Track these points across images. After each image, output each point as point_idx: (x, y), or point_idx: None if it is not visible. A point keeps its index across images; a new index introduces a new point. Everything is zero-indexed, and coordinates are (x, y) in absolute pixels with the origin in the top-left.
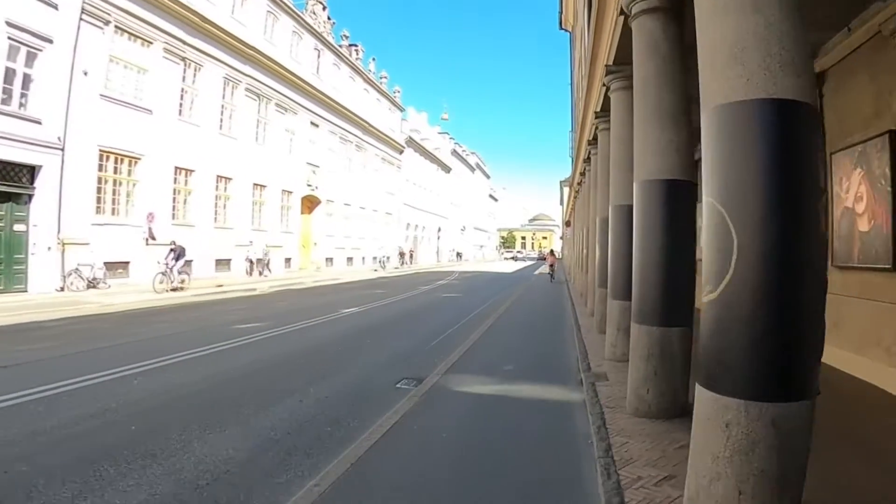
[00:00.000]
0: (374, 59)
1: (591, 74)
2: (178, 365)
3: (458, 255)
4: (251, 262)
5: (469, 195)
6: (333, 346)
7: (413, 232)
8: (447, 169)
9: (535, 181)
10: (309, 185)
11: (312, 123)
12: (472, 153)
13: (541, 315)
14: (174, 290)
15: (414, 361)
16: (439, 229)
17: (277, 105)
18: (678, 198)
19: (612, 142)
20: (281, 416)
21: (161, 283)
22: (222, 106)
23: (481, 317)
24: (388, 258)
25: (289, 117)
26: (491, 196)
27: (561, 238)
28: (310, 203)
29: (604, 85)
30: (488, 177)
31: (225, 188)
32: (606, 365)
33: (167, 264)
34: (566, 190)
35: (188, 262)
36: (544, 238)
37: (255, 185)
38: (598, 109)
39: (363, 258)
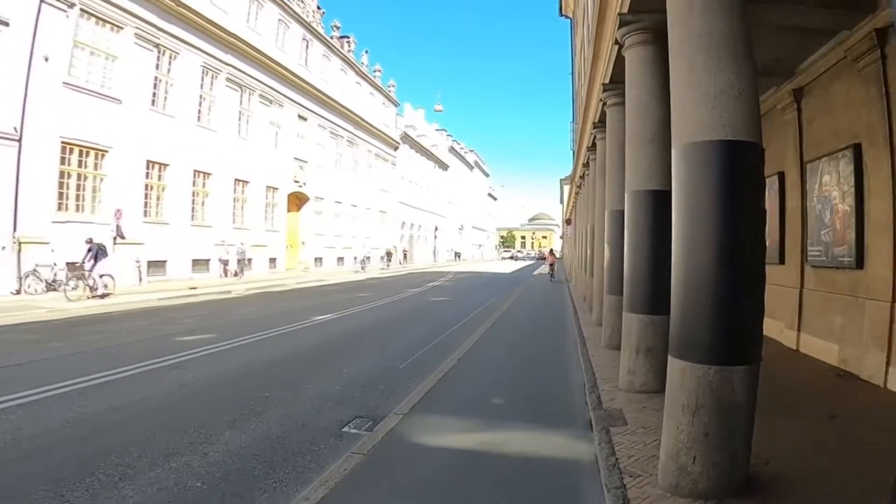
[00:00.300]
0: (366, 52)
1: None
2: (45, 402)
3: (457, 254)
4: (225, 263)
5: (467, 194)
6: (283, 365)
7: (409, 231)
8: (444, 166)
9: (534, 181)
10: (296, 182)
11: (300, 117)
12: (471, 151)
13: (539, 324)
14: (97, 296)
15: (375, 391)
16: (436, 228)
17: (262, 97)
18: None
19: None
20: (163, 481)
21: (75, 289)
22: (200, 96)
23: (470, 327)
24: (368, 258)
25: (274, 110)
26: (490, 195)
27: (561, 237)
28: (297, 200)
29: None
30: (487, 175)
31: (203, 184)
32: (622, 398)
33: (83, 266)
34: (566, 188)
35: (162, 263)
36: (544, 238)
37: (236, 180)
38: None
39: (355, 258)
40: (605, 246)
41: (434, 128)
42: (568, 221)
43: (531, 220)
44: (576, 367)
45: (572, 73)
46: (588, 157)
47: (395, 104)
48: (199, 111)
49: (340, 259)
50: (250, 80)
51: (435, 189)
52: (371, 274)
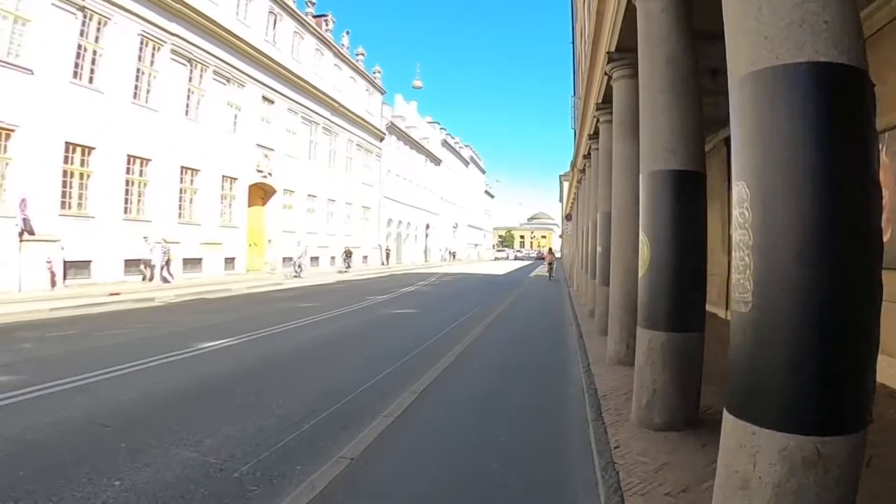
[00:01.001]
0: (347, 33)
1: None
2: None
3: (452, 254)
4: (147, 264)
5: (462, 190)
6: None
7: (396, 229)
8: (437, 161)
9: (534, 182)
10: (260, 171)
11: (265, 99)
12: (466, 146)
13: (530, 353)
14: None
15: None
16: (428, 226)
17: (217, 74)
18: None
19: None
20: None
21: None
22: (139, 70)
23: (427, 358)
24: (301, 259)
25: (233, 90)
26: (487, 192)
27: (560, 236)
28: (263, 193)
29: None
30: (484, 172)
31: (141, 171)
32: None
33: None
34: (566, 185)
35: (85, 264)
36: (543, 237)
37: (184, 168)
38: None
39: (332, 257)
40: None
41: (427, 121)
42: (568, 217)
43: (530, 219)
44: (582, 446)
45: (573, 43)
46: (590, 147)
47: (381, 92)
48: (137, 87)
49: (315, 259)
50: (202, 55)
51: (426, 185)
52: (344, 276)
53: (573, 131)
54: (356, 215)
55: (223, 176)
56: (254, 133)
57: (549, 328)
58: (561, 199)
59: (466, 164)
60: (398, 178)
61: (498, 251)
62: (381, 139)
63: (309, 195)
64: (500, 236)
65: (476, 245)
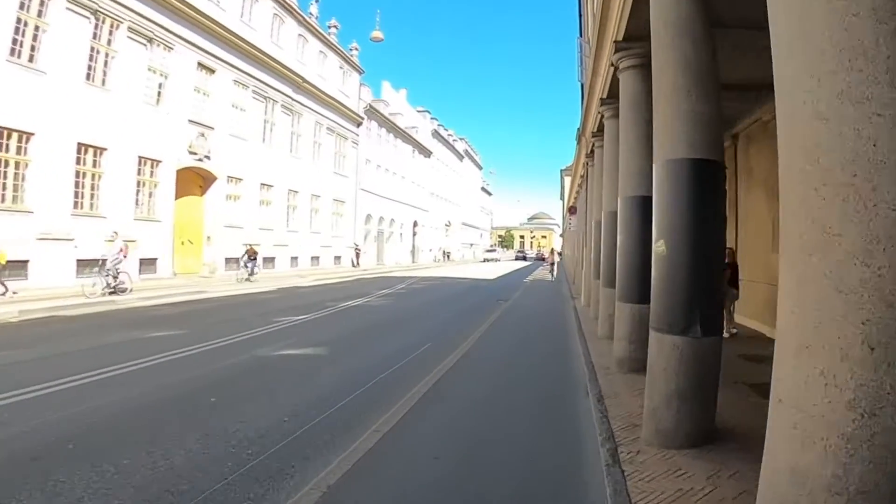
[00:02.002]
0: (316, 1)
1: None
2: None
3: (446, 254)
4: None
5: (456, 186)
6: None
7: (376, 226)
8: (426, 153)
9: (535, 182)
10: (193, 154)
11: (203, 67)
12: (461, 139)
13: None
14: None
15: None
16: (415, 224)
17: (133, 31)
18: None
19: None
20: None
21: None
22: (19, 20)
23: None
24: (245, 260)
25: (157, 52)
26: (484, 189)
27: (561, 235)
28: (200, 181)
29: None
30: (480, 168)
31: (20, 148)
32: None
33: None
34: (567, 180)
35: None
36: (543, 237)
37: (81, 146)
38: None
39: (295, 258)
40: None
41: (417, 111)
42: (572, 210)
43: (530, 219)
44: None
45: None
46: (593, 145)
47: (359, 71)
48: (17, 40)
49: (271, 260)
50: (111, 6)
51: (414, 178)
52: (291, 283)
53: (580, 85)
54: (325, 209)
55: (140, 157)
56: (186, 107)
57: (544, 393)
58: (562, 197)
59: (461, 158)
60: (379, 169)
61: (488, 251)
62: (359, 124)
63: (263, 184)
64: (500, 236)
65: (472, 245)
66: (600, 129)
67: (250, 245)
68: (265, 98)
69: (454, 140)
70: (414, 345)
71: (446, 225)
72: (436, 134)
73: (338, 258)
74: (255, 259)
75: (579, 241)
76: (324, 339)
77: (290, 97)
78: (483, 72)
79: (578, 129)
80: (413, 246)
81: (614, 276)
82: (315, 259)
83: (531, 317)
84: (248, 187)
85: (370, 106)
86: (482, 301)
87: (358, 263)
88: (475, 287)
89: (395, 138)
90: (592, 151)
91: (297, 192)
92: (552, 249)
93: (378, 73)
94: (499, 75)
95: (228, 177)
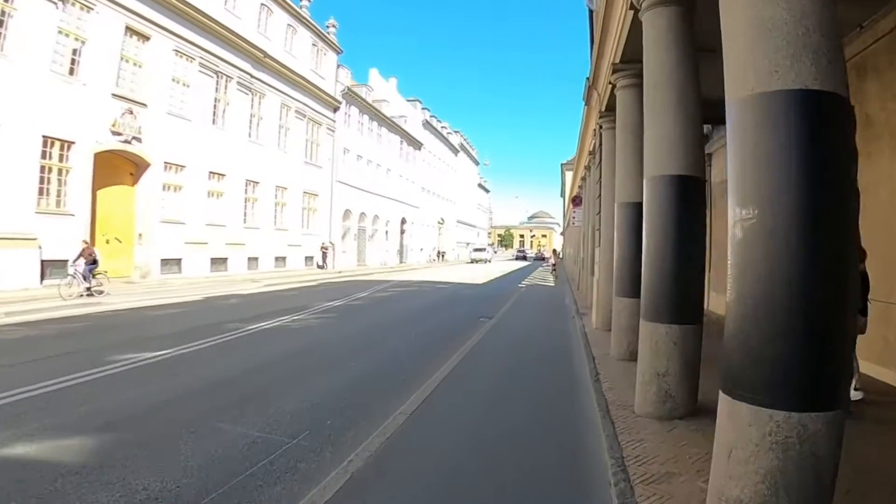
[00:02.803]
0: None
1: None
2: None
3: (441, 254)
4: None
5: (450, 182)
6: None
7: (356, 223)
8: (416, 145)
9: (535, 182)
10: (118, 135)
11: (133, 32)
12: (456, 132)
13: None
14: None
15: None
16: (404, 221)
17: None
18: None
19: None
20: None
21: None
22: None
23: None
24: (87, 265)
25: (72, 13)
26: (481, 186)
27: (562, 234)
28: (132, 167)
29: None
30: (477, 163)
31: None
32: None
33: None
34: (568, 175)
35: None
36: (543, 237)
37: None
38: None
39: (254, 259)
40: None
41: (407, 100)
42: (575, 200)
43: (530, 218)
44: None
45: None
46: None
47: (337, 51)
48: None
49: (222, 261)
50: None
51: (403, 172)
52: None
53: (587, 10)
54: (294, 203)
55: (46, 137)
56: (109, 79)
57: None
58: (563, 194)
59: (455, 152)
60: (361, 160)
61: (476, 250)
62: (336, 109)
63: (213, 173)
64: (500, 235)
65: (468, 244)
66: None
67: (86, 242)
68: (216, 73)
69: (448, 133)
70: (263, 448)
71: (439, 223)
72: (427, 125)
73: (310, 259)
74: (94, 263)
75: (586, 238)
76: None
77: (248, 74)
78: (480, 69)
79: (587, 81)
80: (401, 245)
81: (654, 297)
82: (280, 260)
83: (520, 352)
84: (192, 176)
85: (349, 89)
86: (458, 319)
87: (326, 264)
88: (455, 296)
89: (379, 127)
90: (612, 107)
91: (257, 182)
92: (553, 250)
93: (373, 67)
94: (497, 73)
95: (167, 163)
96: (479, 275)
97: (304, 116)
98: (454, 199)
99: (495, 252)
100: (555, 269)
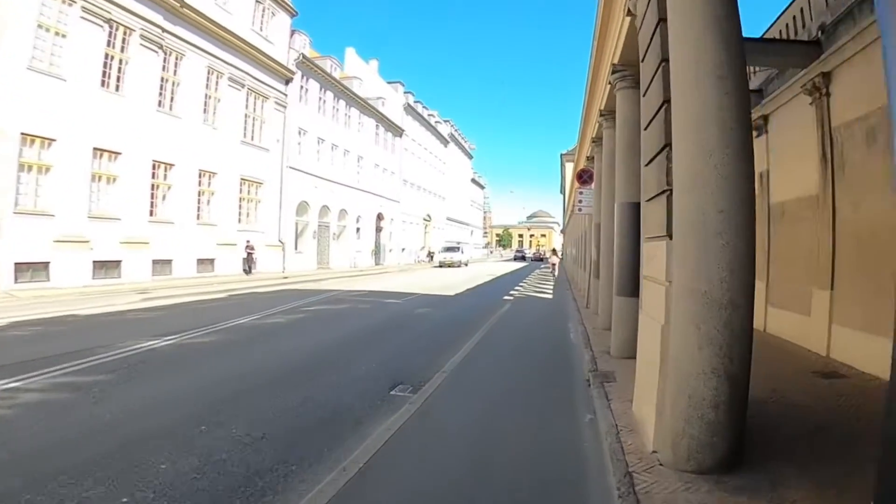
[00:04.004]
0: None
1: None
2: None
3: (431, 254)
4: None
5: (439, 175)
6: None
7: (316, 218)
8: (397, 131)
9: (534, 181)
10: None
11: None
12: (446, 121)
13: None
14: None
15: None
16: (380, 217)
17: None
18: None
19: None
20: None
21: None
22: None
23: None
24: None
25: None
26: (475, 181)
27: (562, 232)
28: None
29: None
30: (471, 157)
31: None
32: None
33: None
34: (569, 166)
35: None
36: (543, 236)
37: None
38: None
39: (164, 262)
40: None
41: (388, 82)
42: (582, 176)
43: (530, 217)
44: None
45: None
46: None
47: (291, 13)
48: None
49: (113, 266)
50: None
51: (380, 161)
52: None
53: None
54: (227, 193)
55: None
56: None
57: None
58: (562, 191)
59: (445, 142)
60: (323, 144)
61: (446, 250)
62: (288, 81)
63: (99, 150)
64: (498, 235)
65: (459, 243)
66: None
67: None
68: (108, 22)
69: (437, 122)
70: None
71: (425, 219)
72: (410, 109)
73: (249, 259)
74: None
75: (599, 230)
76: None
77: (158, 26)
78: (475, 62)
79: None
80: (377, 244)
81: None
82: (206, 263)
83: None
84: (67, 153)
85: (304, 58)
86: (342, 396)
87: (252, 269)
88: (397, 320)
89: (348, 107)
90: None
91: (170, 165)
92: (553, 249)
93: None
94: (497, 69)
95: (25, 135)
96: (459, 280)
97: (243, 86)
98: (443, 195)
99: (490, 252)
100: (553, 269)
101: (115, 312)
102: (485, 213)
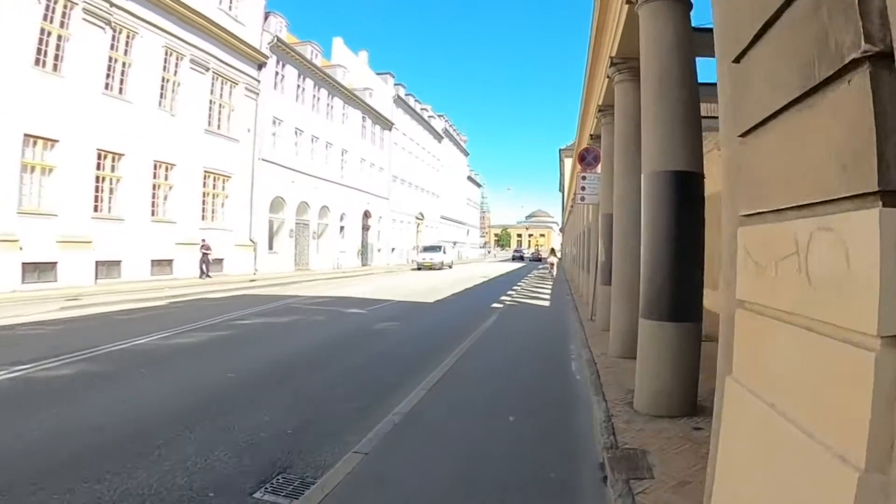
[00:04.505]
0: None
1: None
2: None
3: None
4: None
5: (433, 172)
6: None
7: (293, 215)
8: (386, 124)
9: (533, 182)
10: None
11: None
12: (440, 116)
13: None
14: None
15: None
16: (367, 215)
17: None
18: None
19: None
20: None
21: None
22: None
23: None
24: None
25: None
26: (471, 179)
27: (561, 230)
28: None
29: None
30: (467, 153)
31: None
32: None
33: None
34: (567, 162)
35: None
36: (542, 236)
37: None
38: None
39: (111, 263)
40: None
41: (377, 73)
42: (585, 157)
43: (528, 217)
44: None
45: None
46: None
47: None
48: None
49: (47, 268)
50: None
51: (367, 155)
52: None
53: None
54: (188, 187)
55: None
56: None
57: None
58: (561, 189)
59: (439, 138)
60: (301, 135)
61: (426, 250)
62: (261, 66)
63: (31, 137)
64: (496, 235)
65: (455, 243)
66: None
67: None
68: None
69: (430, 116)
70: None
71: (418, 218)
72: (400, 101)
73: (216, 261)
74: None
75: (610, 222)
76: None
77: (105, 0)
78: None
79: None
80: (363, 244)
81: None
82: (163, 265)
83: None
84: None
85: (278, 41)
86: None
87: (207, 271)
88: (356, 338)
89: (331, 97)
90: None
91: (119, 154)
92: (552, 249)
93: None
94: (496, 68)
95: None
96: (446, 283)
97: (207, 70)
98: (438, 192)
99: (488, 252)
100: (552, 269)
101: (3, 326)
102: (483, 212)
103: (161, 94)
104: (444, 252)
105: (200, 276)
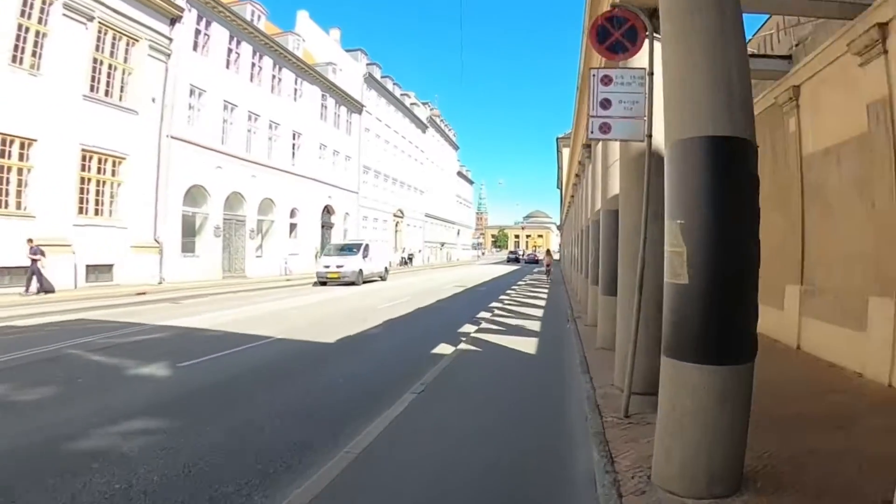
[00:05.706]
0: None
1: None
2: None
3: (409, 258)
4: None
5: (416, 164)
6: None
7: (220, 210)
8: (354, 107)
9: (533, 182)
10: None
11: None
12: (424, 104)
13: None
14: None
15: None
16: (327, 210)
17: None
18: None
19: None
20: None
21: None
22: None
23: None
24: None
25: None
26: (462, 175)
27: (559, 228)
28: None
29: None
30: (457, 148)
31: None
32: None
33: None
34: (566, 152)
35: None
36: (539, 236)
37: None
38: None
39: None
40: None
41: (347, 50)
42: (609, 35)
43: (526, 217)
44: None
45: None
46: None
47: None
48: None
49: None
50: None
51: (328, 141)
52: None
53: None
54: (55, 169)
55: None
56: None
57: None
58: (559, 186)
59: (423, 127)
60: (232, 111)
61: (327, 255)
62: (174, 20)
63: None
64: (493, 236)
65: (443, 244)
66: None
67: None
68: None
69: (413, 104)
70: None
71: (396, 215)
72: (372, 81)
73: (104, 268)
74: None
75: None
76: None
77: None
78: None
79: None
80: (322, 245)
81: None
82: (10, 273)
83: None
84: None
85: None
86: None
87: (37, 284)
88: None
89: (277, 68)
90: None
91: None
92: (548, 250)
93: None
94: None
95: None
96: (401, 297)
97: (91, 19)
98: (422, 188)
99: (482, 254)
100: (548, 272)
101: None
102: (481, 213)
103: (16, 48)
104: (366, 255)
105: (26, 291)
